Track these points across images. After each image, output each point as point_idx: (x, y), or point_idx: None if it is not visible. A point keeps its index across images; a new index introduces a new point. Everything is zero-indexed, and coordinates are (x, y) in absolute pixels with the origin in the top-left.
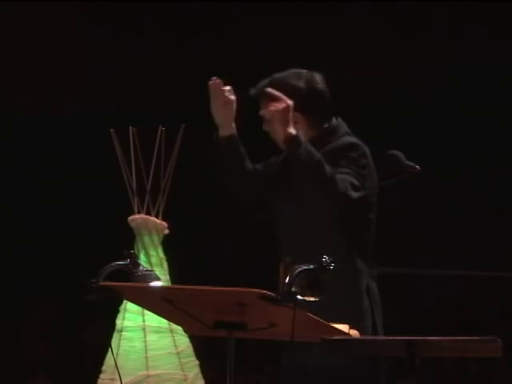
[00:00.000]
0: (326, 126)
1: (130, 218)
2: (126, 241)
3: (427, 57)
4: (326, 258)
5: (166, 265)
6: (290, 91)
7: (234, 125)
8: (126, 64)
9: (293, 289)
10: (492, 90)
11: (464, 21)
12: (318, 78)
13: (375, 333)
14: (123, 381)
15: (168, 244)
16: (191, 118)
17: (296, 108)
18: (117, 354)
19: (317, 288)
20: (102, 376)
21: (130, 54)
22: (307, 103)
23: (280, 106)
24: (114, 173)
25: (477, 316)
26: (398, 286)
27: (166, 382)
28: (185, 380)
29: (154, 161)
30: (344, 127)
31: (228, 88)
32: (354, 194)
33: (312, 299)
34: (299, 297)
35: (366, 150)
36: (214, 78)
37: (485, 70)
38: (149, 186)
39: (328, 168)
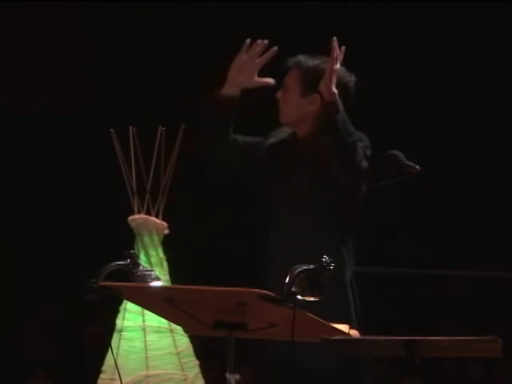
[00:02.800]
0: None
1: (129, 218)
2: (126, 241)
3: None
4: (325, 257)
5: (165, 265)
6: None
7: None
8: (126, 64)
9: (293, 289)
10: (492, 89)
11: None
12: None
13: (359, 324)
14: (123, 381)
15: (168, 244)
16: (191, 118)
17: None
18: (117, 354)
19: (317, 288)
20: (101, 376)
21: (130, 54)
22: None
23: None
24: (114, 173)
25: (477, 316)
26: (398, 285)
27: (165, 382)
28: (185, 380)
29: (153, 161)
30: None
31: (262, 57)
32: (367, 165)
33: (312, 299)
34: (299, 297)
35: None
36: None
37: (485, 70)
38: (149, 186)
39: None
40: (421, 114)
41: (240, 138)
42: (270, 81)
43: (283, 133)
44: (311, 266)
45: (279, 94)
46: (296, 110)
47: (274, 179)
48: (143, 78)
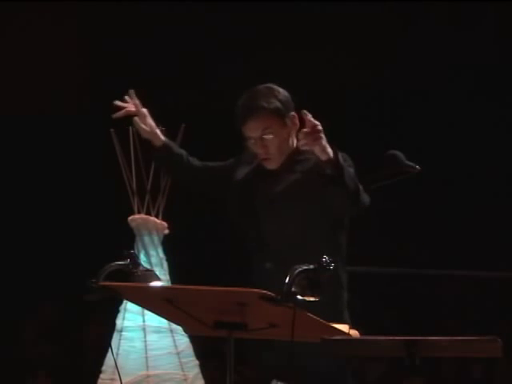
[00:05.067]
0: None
1: (129, 218)
2: (126, 241)
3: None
4: (325, 258)
5: (165, 265)
6: (276, 99)
7: (159, 132)
8: (126, 64)
9: (293, 289)
10: (492, 89)
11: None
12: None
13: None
14: (123, 381)
15: (168, 244)
16: (191, 118)
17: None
18: (117, 354)
19: (317, 288)
20: (102, 376)
21: (130, 54)
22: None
23: (315, 130)
24: (114, 173)
25: (477, 316)
26: (398, 285)
27: (166, 381)
28: (185, 380)
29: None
30: None
31: (133, 104)
32: (367, 198)
33: (312, 299)
34: (299, 297)
35: None
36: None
37: (485, 70)
38: (149, 186)
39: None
40: (421, 114)
41: (204, 165)
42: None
43: (248, 163)
44: (311, 266)
45: (260, 148)
46: (286, 149)
47: (261, 202)
48: (143, 78)
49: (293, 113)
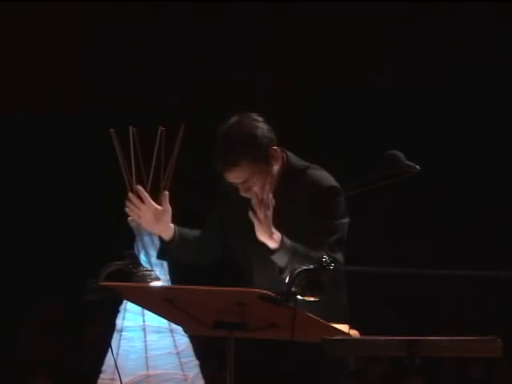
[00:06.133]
0: (281, 161)
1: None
2: (126, 241)
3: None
4: (325, 258)
5: (165, 265)
6: (254, 147)
7: (170, 224)
8: (126, 64)
9: (293, 289)
10: (492, 89)
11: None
12: (259, 120)
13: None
14: (123, 381)
15: None
16: (191, 118)
17: (264, 161)
18: (117, 354)
19: (317, 288)
20: (101, 376)
21: (130, 54)
22: (268, 153)
23: (263, 213)
24: (114, 173)
25: (477, 316)
26: (398, 285)
27: (165, 381)
28: (185, 380)
29: (153, 161)
30: (289, 155)
31: (165, 195)
32: (341, 256)
33: (312, 299)
34: (299, 297)
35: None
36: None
37: (485, 70)
38: (149, 186)
39: (310, 257)
40: (421, 114)
41: (207, 236)
42: (166, 193)
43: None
44: (311, 266)
45: (243, 191)
46: (270, 182)
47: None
48: (143, 78)
49: (274, 147)
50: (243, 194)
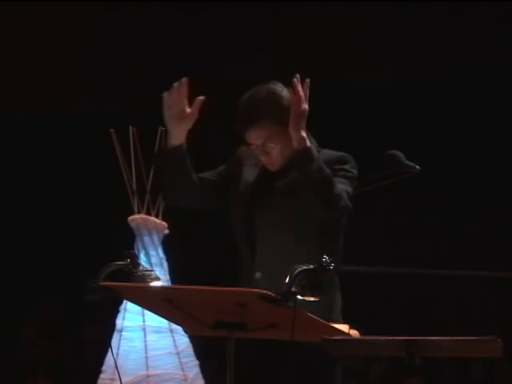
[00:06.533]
0: None
1: (129, 217)
2: (126, 241)
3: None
4: (325, 258)
5: (165, 265)
6: (279, 107)
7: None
8: (126, 63)
9: (293, 289)
10: (492, 89)
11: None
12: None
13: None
14: (123, 381)
15: (168, 244)
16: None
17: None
18: (117, 354)
19: (317, 288)
20: (102, 376)
21: (130, 54)
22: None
23: (300, 117)
24: (114, 173)
25: (477, 316)
26: (398, 285)
27: (165, 381)
28: (185, 380)
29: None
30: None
31: (199, 100)
32: (350, 204)
33: (312, 299)
34: (299, 297)
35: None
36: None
37: (486, 70)
38: (149, 186)
39: (335, 182)
40: (420, 114)
41: (208, 174)
42: (200, 99)
43: (248, 163)
44: (311, 266)
45: (262, 155)
46: (288, 152)
47: (253, 205)
48: (143, 78)
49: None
50: (261, 157)
